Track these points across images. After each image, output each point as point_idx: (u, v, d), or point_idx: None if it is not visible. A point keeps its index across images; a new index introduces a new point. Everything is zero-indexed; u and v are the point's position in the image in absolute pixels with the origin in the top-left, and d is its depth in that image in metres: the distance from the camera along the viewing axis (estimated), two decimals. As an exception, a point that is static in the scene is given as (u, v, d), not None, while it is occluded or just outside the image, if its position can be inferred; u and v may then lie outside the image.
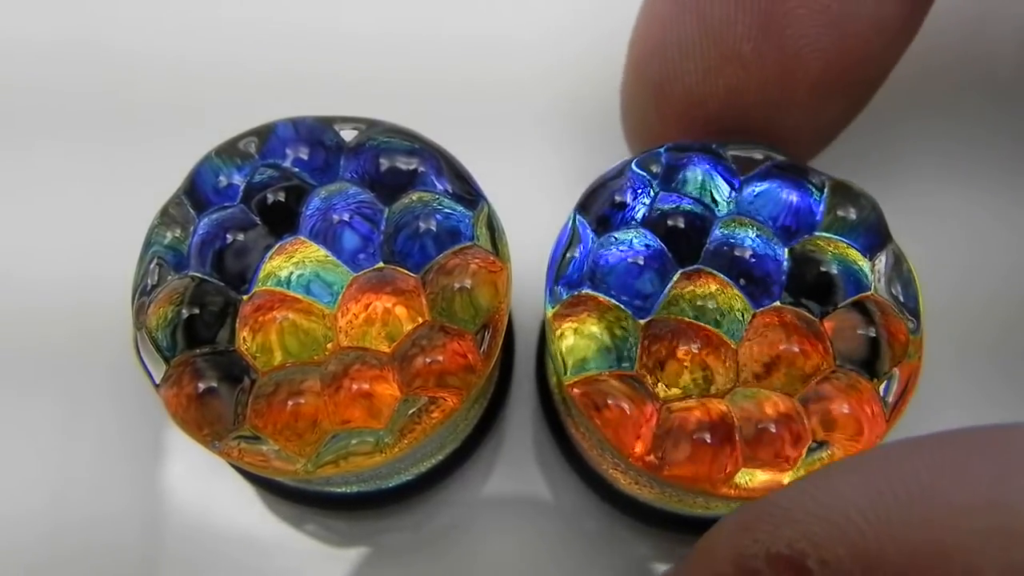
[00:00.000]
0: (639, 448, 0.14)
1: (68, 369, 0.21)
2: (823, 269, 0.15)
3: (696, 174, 0.16)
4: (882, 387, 0.15)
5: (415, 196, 0.16)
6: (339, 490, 0.18)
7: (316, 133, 0.17)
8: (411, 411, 0.15)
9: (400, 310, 0.15)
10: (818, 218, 0.16)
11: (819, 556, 0.11)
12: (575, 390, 0.15)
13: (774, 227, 0.16)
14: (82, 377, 0.21)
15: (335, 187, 0.16)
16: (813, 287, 0.15)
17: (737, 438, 0.14)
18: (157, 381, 0.15)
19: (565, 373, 0.15)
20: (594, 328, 0.15)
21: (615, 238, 0.16)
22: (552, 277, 0.15)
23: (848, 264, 0.15)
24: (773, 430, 0.14)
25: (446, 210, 0.16)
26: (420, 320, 0.15)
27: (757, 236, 0.16)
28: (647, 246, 0.15)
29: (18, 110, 0.23)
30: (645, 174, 0.16)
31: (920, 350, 0.15)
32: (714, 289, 0.15)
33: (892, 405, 0.15)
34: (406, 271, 0.16)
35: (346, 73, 0.23)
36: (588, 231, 0.16)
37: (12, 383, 0.21)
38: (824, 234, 0.16)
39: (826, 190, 0.16)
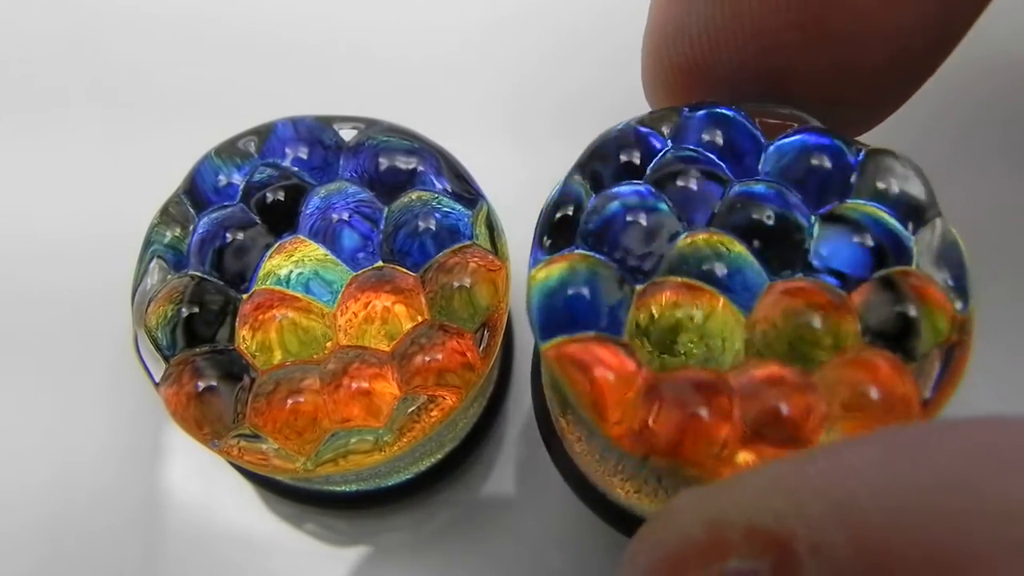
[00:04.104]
0: (618, 421, 0.12)
1: (67, 368, 0.21)
2: (856, 240, 0.13)
3: (715, 135, 0.14)
4: (920, 371, 0.13)
5: (414, 195, 0.16)
6: (339, 489, 0.18)
7: (315, 132, 0.17)
8: (410, 409, 0.15)
9: (399, 308, 0.15)
10: (852, 182, 0.14)
11: (811, 539, 0.09)
12: (551, 352, 0.13)
13: (802, 191, 0.14)
14: (81, 376, 0.21)
15: (334, 186, 0.16)
16: (844, 257, 0.13)
17: (736, 409, 0.12)
18: (157, 380, 0.15)
19: (540, 336, 0.13)
20: (576, 266, 0.13)
21: (612, 193, 0.14)
22: (539, 234, 0.14)
23: (886, 228, 0.13)
24: (784, 410, 0.12)
25: (445, 209, 0.16)
26: (419, 319, 0.15)
27: (779, 195, 0.14)
28: (649, 200, 0.14)
29: (21, 103, 0.23)
30: (656, 132, 0.14)
31: (969, 331, 0.13)
32: (725, 252, 0.14)
33: (931, 392, 0.13)
34: (405, 270, 0.16)
35: (347, 69, 0.23)
36: (583, 189, 0.14)
37: (12, 382, 0.21)
38: (859, 201, 0.14)
39: (863, 156, 0.14)
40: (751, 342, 0.13)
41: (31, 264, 0.22)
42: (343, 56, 0.23)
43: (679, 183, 0.14)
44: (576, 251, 0.13)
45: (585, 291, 0.13)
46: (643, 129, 0.14)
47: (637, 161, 0.14)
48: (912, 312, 0.13)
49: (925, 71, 0.15)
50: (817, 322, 0.13)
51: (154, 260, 0.16)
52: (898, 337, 0.13)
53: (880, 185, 0.14)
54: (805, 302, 0.13)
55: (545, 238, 0.14)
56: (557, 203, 0.14)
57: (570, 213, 0.14)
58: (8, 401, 0.21)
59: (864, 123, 0.16)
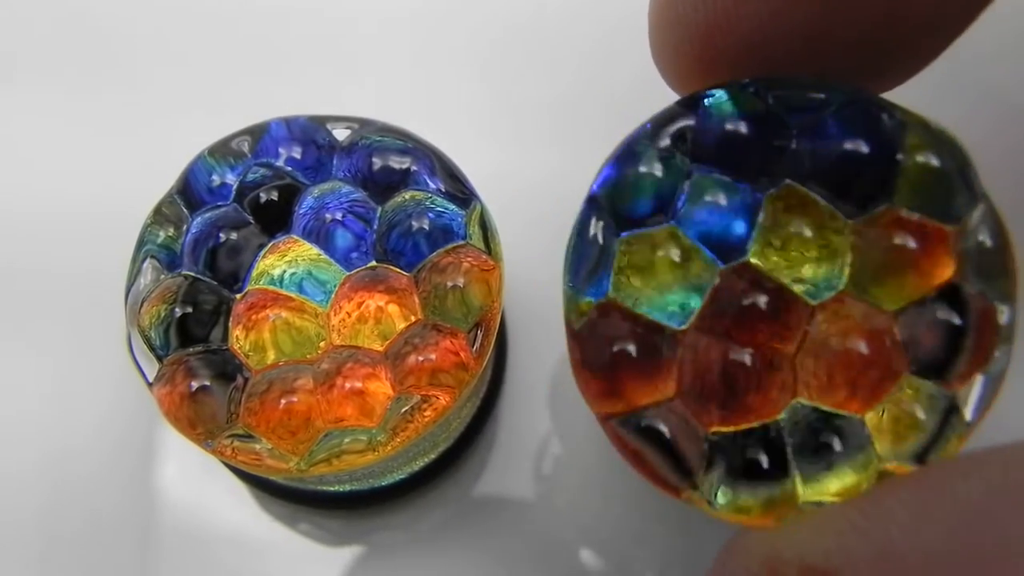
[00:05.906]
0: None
1: (60, 368, 0.21)
2: (893, 243, 0.13)
3: (738, 126, 0.13)
4: (961, 394, 0.12)
5: (408, 195, 0.16)
6: (332, 489, 0.18)
7: (309, 132, 0.17)
8: (404, 409, 0.15)
9: (393, 308, 0.15)
10: (896, 158, 0.13)
11: None
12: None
13: (834, 196, 0.13)
14: (74, 376, 0.21)
15: (328, 186, 0.16)
16: (881, 273, 0.13)
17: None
18: (150, 380, 0.15)
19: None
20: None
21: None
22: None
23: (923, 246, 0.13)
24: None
25: (439, 209, 0.16)
26: (413, 318, 0.15)
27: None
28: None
29: (26, 93, 0.23)
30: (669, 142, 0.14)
31: (1011, 345, 0.12)
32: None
33: (972, 416, 0.12)
34: (399, 270, 0.16)
35: (340, 69, 0.23)
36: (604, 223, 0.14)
37: (5, 380, 0.21)
38: (898, 210, 0.13)
39: (903, 133, 0.13)
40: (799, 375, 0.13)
41: (26, 262, 0.22)
42: (337, 56, 0.23)
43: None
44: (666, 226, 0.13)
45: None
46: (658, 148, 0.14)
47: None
48: (959, 327, 0.12)
49: (968, 14, 0.13)
50: (862, 347, 0.13)
51: (147, 260, 0.16)
52: (942, 362, 0.13)
53: (919, 160, 0.13)
54: (848, 326, 0.13)
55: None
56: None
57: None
58: (1, 399, 0.21)
59: (908, 71, 0.14)
